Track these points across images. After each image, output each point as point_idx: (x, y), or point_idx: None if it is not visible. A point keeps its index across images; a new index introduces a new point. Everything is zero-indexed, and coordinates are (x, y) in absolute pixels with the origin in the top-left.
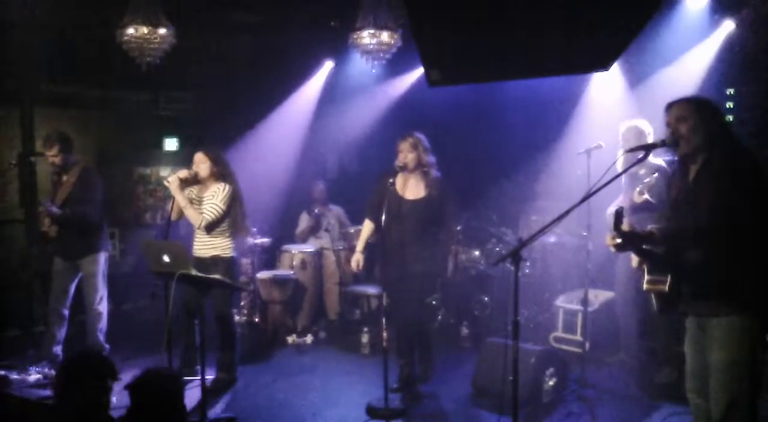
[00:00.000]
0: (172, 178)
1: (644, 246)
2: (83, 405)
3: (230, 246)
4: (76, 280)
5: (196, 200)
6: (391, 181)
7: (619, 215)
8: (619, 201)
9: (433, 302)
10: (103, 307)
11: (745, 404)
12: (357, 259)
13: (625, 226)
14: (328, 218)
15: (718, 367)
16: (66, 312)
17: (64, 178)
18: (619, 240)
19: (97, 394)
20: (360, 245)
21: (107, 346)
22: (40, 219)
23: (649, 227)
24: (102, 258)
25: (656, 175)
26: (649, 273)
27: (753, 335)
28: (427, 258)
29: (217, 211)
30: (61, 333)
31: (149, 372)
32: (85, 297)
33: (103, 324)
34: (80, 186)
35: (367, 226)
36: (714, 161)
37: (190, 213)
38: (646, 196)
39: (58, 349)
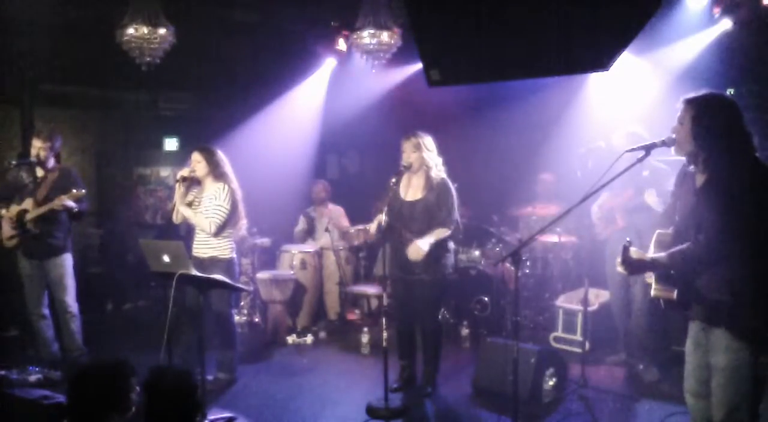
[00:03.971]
0: (178, 184)
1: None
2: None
3: (229, 246)
4: (46, 281)
5: (196, 201)
6: (394, 180)
7: (626, 249)
8: (603, 198)
9: (446, 315)
10: (76, 308)
11: (746, 408)
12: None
13: (633, 255)
14: (327, 218)
15: (720, 370)
16: (47, 311)
17: (45, 175)
18: (626, 270)
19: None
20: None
21: (86, 349)
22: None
23: (655, 234)
24: (68, 259)
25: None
26: (656, 282)
27: (756, 339)
28: (430, 261)
29: (222, 212)
30: (51, 332)
31: (160, 370)
32: (56, 300)
33: (78, 325)
34: (60, 184)
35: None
36: (718, 175)
37: (199, 221)
38: (655, 199)
39: (55, 348)
